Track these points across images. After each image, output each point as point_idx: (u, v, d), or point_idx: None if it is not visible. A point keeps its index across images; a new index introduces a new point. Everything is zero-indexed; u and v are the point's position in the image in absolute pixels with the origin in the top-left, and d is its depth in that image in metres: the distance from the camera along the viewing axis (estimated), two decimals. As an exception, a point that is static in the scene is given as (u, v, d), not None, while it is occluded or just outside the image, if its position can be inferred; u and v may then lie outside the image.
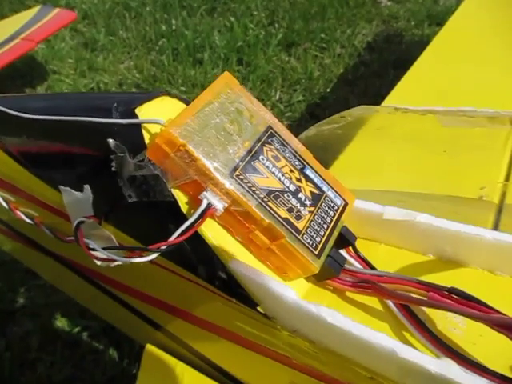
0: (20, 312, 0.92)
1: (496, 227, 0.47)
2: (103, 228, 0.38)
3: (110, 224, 0.40)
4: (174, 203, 0.31)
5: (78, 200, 0.39)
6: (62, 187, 0.40)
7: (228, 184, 0.28)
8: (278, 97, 1.52)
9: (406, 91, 0.79)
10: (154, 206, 0.33)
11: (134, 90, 1.64)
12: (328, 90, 1.53)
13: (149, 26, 1.97)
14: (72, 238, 0.46)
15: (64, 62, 1.80)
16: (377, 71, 1.60)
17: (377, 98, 0.78)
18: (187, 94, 1.58)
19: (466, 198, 0.50)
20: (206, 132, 0.28)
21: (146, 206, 0.33)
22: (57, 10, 1.46)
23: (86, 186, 0.37)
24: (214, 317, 0.39)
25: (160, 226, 0.35)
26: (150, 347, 0.51)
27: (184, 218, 0.30)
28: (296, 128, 1.38)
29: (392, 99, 0.75)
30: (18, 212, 0.53)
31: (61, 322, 0.89)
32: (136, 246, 0.32)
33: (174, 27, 1.92)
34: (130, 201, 0.33)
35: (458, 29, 1.00)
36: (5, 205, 0.54)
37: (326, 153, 0.56)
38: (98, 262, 0.39)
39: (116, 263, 0.39)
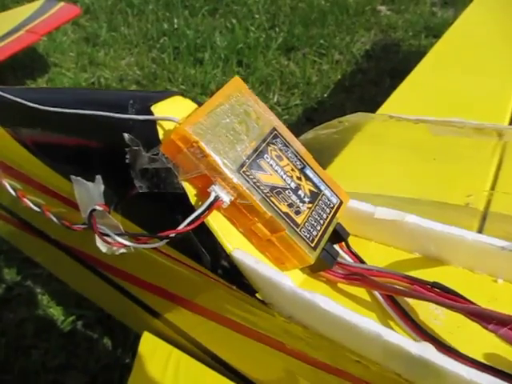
0: (16, 300, 0.94)
1: (480, 233, 0.50)
2: (112, 216, 0.41)
3: (117, 213, 0.42)
4: (182, 195, 0.34)
5: (88, 189, 0.42)
6: (73, 177, 0.42)
7: (235, 179, 0.31)
8: (275, 99, 1.55)
9: (401, 100, 0.82)
10: (161, 197, 0.35)
11: (134, 86, 1.66)
12: (325, 95, 1.56)
13: (151, 24, 1.99)
14: (79, 225, 0.48)
15: (65, 56, 1.82)
16: (373, 79, 1.63)
17: (372, 105, 0.81)
18: (187, 92, 1.59)
19: (453, 204, 0.53)
20: (217, 131, 0.31)
21: (153, 196, 0.36)
22: (61, 3, 1.48)
23: (98, 177, 0.40)
24: (214, 304, 0.42)
25: (165, 216, 0.37)
26: (147, 334, 0.53)
27: (191, 210, 0.32)
28: (292, 131, 1.40)
29: (387, 108, 0.78)
30: (26, 200, 0.55)
31: (56, 311, 0.91)
32: (147, 233, 0.34)
33: (175, 26, 1.95)
34: (140, 191, 0.36)
35: (455, 40, 1.03)
36: (13, 192, 0.56)
37: (323, 156, 0.59)
38: (104, 249, 0.42)
39: (122, 250, 0.42)
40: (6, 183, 0.56)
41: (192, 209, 0.33)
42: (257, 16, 2.00)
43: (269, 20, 1.98)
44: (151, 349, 0.52)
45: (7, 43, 1.27)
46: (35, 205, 0.53)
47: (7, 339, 0.87)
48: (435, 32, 1.85)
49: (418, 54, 1.05)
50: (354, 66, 1.72)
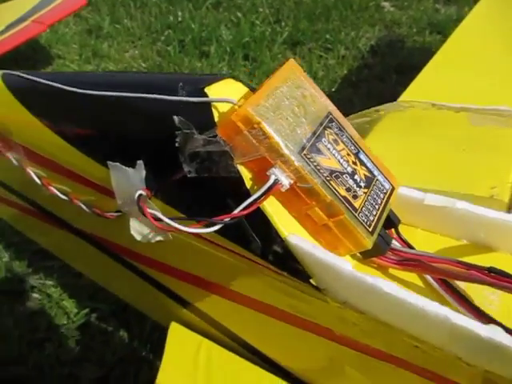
0: (28, 292, 0.93)
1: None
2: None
3: (157, 199, 0.41)
4: (235, 179, 0.33)
5: (128, 175, 0.41)
6: (110, 163, 0.41)
7: (297, 161, 0.30)
8: (282, 94, 1.55)
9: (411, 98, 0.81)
10: (209, 181, 0.34)
11: (139, 79, 1.65)
12: (333, 89, 1.56)
13: (154, 17, 1.98)
14: (112, 213, 0.47)
15: (68, 47, 1.80)
16: (379, 74, 1.63)
17: (380, 101, 0.81)
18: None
19: (478, 196, 0.53)
20: (277, 113, 0.31)
21: (199, 181, 0.35)
22: (66, -6, 1.46)
23: (140, 162, 0.39)
24: (256, 291, 0.41)
25: (214, 200, 0.36)
26: (174, 325, 0.53)
27: (245, 194, 0.32)
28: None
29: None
30: (52, 188, 0.54)
31: (69, 304, 0.90)
32: (202, 218, 0.33)
33: (180, 19, 1.93)
34: (188, 176, 0.35)
35: (463, 40, 1.03)
36: (38, 181, 0.55)
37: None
38: (139, 238, 0.41)
39: (159, 238, 0.41)
40: (31, 171, 0.55)
41: (246, 193, 0.32)
42: (261, 10, 1.99)
43: (273, 14, 1.97)
44: (180, 340, 0.51)
45: (13, 33, 1.25)
46: (62, 193, 0.53)
47: (20, 332, 0.86)
48: (439, 28, 1.86)
49: (423, 51, 1.04)
50: (360, 61, 1.72)
